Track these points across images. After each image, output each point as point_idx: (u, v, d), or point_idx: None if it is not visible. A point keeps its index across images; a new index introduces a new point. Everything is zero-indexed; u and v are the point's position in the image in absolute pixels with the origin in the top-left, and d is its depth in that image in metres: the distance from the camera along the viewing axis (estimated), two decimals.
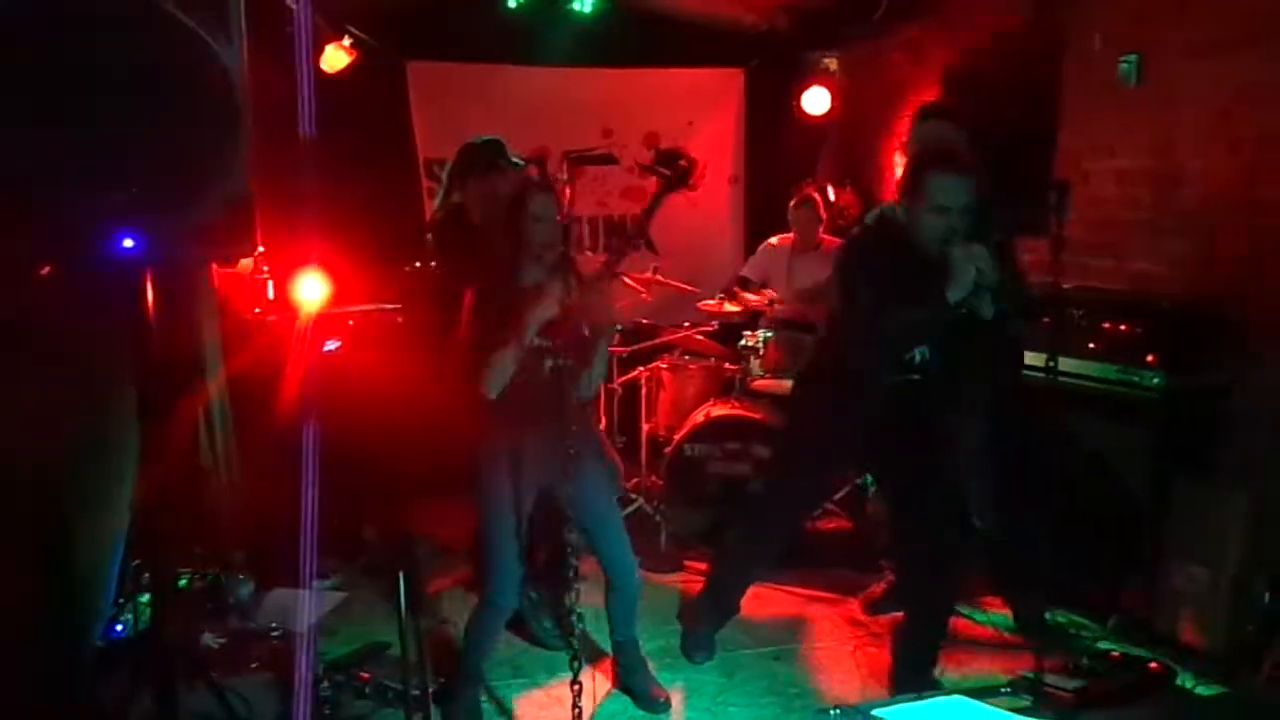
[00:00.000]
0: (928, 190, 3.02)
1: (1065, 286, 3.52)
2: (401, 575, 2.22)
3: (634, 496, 4.94)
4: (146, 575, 3.00)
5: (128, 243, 2.09)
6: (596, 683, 3.41)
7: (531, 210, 3.02)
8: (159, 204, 2.12)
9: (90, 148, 2.02)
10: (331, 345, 4.38)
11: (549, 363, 2.99)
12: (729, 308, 5.07)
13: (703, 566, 4.26)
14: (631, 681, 3.39)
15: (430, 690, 2.52)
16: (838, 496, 4.78)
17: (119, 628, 2.96)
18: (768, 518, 3.65)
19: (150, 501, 2.60)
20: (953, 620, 3.56)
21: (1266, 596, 3.29)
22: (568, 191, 4.57)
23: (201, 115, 2.14)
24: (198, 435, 3.65)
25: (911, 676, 3.29)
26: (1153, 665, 3.37)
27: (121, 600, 3.02)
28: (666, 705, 3.31)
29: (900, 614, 3.62)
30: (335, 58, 5.40)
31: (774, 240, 5.42)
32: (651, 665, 3.45)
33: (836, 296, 3.33)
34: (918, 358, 3.19)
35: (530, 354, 2.95)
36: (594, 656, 3.58)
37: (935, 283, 2.93)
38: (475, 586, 3.68)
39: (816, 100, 6.15)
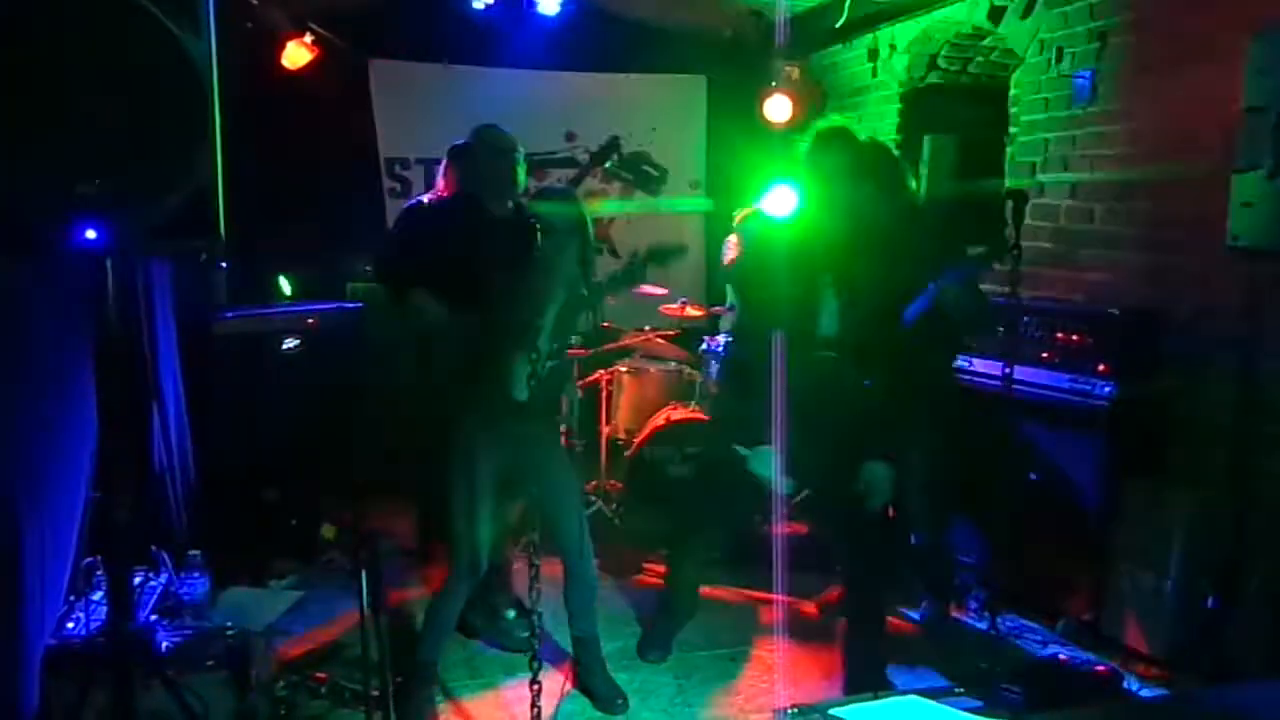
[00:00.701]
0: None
1: (1021, 296, 3.60)
2: (364, 572, 2.22)
3: (593, 499, 4.95)
4: (99, 573, 2.96)
5: (90, 234, 2.08)
6: (554, 683, 3.41)
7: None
8: (123, 196, 2.10)
9: (56, 139, 2.00)
10: (291, 344, 4.36)
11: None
12: (691, 312, 5.11)
13: (661, 569, 4.29)
14: (590, 681, 3.40)
15: (390, 689, 2.51)
16: (794, 501, 4.82)
17: (70, 625, 2.91)
18: (705, 517, 3.69)
19: (105, 498, 2.57)
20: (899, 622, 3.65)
21: (1209, 600, 3.38)
22: None
23: (168, 108, 2.13)
24: (153, 432, 3.60)
25: (864, 677, 3.34)
26: (1099, 668, 3.44)
27: (73, 598, 2.98)
28: (624, 706, 3.32)
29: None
30: (297, 54, 5.35)
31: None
32: (608, 666, 3.46)
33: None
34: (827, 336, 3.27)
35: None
36: (552, 658, 3.58)
37: None
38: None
39: (778, 108, 6.20)
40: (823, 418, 3.23)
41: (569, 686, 3.45)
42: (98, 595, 2.88)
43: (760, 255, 3.37)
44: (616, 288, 3.41)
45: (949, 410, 3.73)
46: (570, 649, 3.51)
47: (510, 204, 3.53)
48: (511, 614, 3.64)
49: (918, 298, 3.48)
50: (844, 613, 3.58)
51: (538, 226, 3.05)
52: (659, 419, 4.75)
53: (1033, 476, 3.84)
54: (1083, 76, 4.15)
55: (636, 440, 4.74)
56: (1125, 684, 3.34)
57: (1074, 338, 3.80)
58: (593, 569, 3.36)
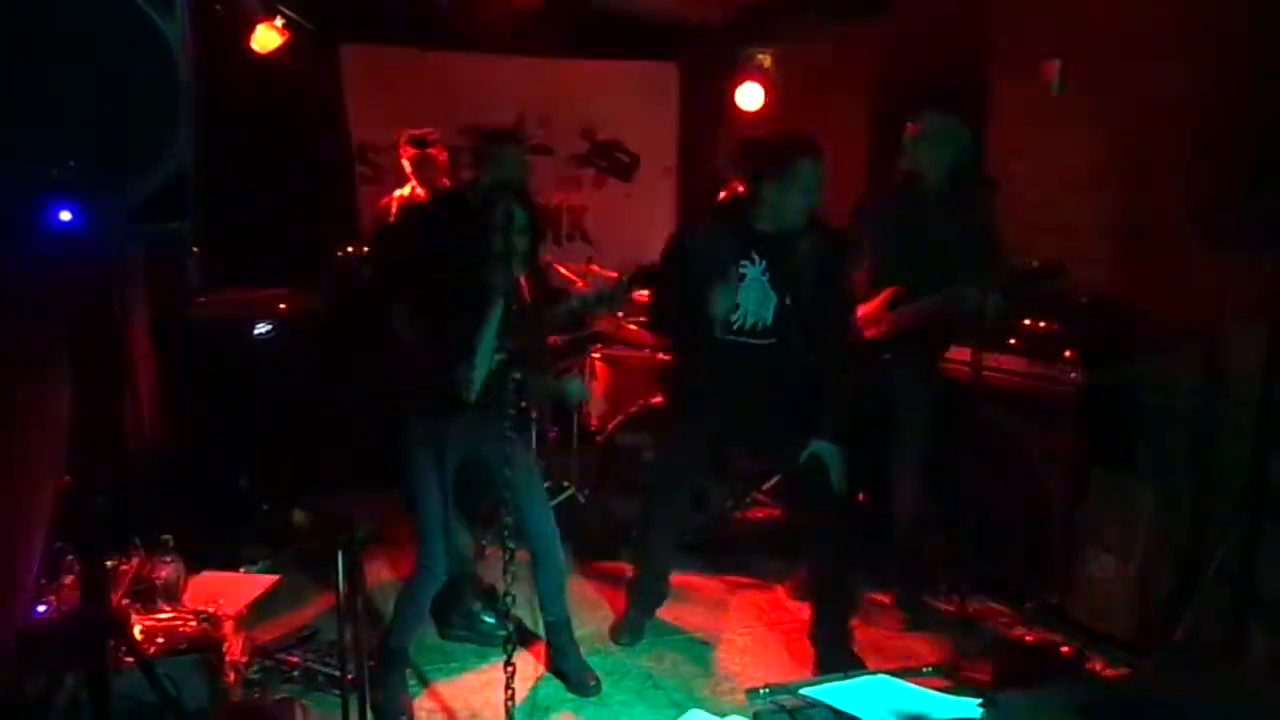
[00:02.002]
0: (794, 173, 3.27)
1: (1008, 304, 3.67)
2: (340, 554, 2.22)
3: (566, 485, 4.96)
4: (70, 557, 2.94)
5: (64, 215, 2.06)
6: (528, 666, 3.43)
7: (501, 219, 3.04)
8: (96, 178, 2.08)
9: (27, 119, 1.98)
10: (264, 329, 4.33)
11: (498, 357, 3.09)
12: None
13: (632, 554, 4.32)
14: (563, 664, 3.43)
15: (365, 672, 2.51)
16: (766, 486, 4.87)
17: (41, 609, 2.90)
18: (661, 499, 3.75)
19: (78, 483, 2.55)
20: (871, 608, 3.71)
21: (1172, 582, 3.46)
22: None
23: (141, 90, 2.11)
24: (127, 415, 3.57)
25: (831, 655, 3.41)
26: (1064, 649, 3.51)
27: (44, 581, 2.96)
28: (597, 688, 3.35)
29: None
30: (267, 38, 5.28)
31: None
32: (581, 649, 3.49)
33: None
34: (750, 323, 3.39)
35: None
36: (525, 641, 3.60)
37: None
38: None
39: (750, 95, 6.23)
40: (767, 400, 3.39)
41: (542, 670, 3.47)
42: (69, 579, 2.86)
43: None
44: (599, 308, 3.48)
45: (938, 394, 3.79)
46: (545, 637, 3.53)
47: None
48: (490, 618, 3.65)
49: (933, 297, 3.60)
50: (809, 593, 3.63)
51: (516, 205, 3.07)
52: (632, 405, 4.77)
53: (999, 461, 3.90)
54: (1051, 66, 4.20)
55: (610, 426, 4.75)
56: (1089, 664, 3.41)
57: (1041, 325, 3.85)
58: (560, 554, 3.39)
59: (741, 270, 3.37)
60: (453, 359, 3.00)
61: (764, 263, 3.38)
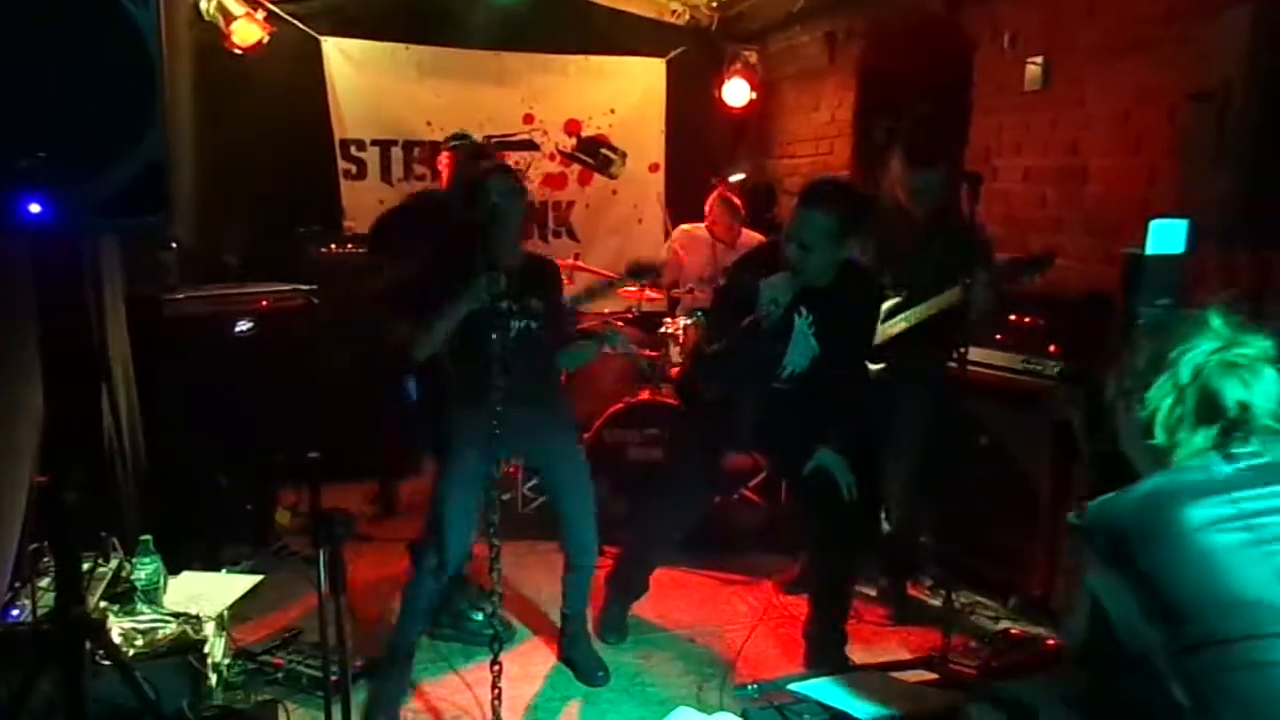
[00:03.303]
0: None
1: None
2: (322, 552, 2.19)
3: None
4: (46, 558, 2.90)
5: (34, 208, 2.02)
6: (515, 666, 3.41)
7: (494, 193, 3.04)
8: (68, 170, 2.05)
9: None
10: (244, 326, 4.29)
11: (518, 325, 3.11)
12: (649, 294, 5.10)
13: (617, 550, 4.30)
14: (574, 653, 3.46)
15: (349, 673, 2.47)
16: (753, 483, 4.85)
17: (15, 611, 2.85)
18: (670, 500, 3.72)
19: (54, 481, 2.51)
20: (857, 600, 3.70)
21: None
22: None
23: (115, 80, 2.08)
24: (102, 414, 3.52)
25: (823, 655, 3.38)
26: (1050, 641, 3.51)
27: (19, 584, 2.91)
28: (605, 678, 3.38)
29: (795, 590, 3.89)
30: (247, 32, 5.24)
31: (689, 228, 5.47)
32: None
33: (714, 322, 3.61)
34: (789, 371, 3.41)
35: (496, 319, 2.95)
36: (538, 629, 3.69)
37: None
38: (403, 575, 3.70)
39: (736, 91, 6.23)
40: (792, 428, 3.40)
41: (531, 669, 3.46)
42: (45, 580, 2.82)
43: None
44: (589, 303, 3.48)
45: (943, 402, 3.77)
46: (534, 633, 3.63)
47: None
48: (479, 616, 3.63)
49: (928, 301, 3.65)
50: (809, 591, 3.62)
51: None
52: (617, 401, 4.75)
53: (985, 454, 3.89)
54: (1035, 62, 4.20)
55: (596, 423, 4.73)
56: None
57: (1026, 319, 3.85)
58: (595, 557, 3.46)
59: (793, 323, 3.36)
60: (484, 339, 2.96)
61: (810, 316, 3.35)
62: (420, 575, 3.23)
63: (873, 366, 3.75)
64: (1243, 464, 1.62)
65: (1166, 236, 3.09)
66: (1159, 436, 1.70)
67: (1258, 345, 1.68)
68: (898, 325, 3.76)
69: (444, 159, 4.27)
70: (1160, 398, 1.69)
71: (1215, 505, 1.58)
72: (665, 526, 3.74)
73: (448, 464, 3.21)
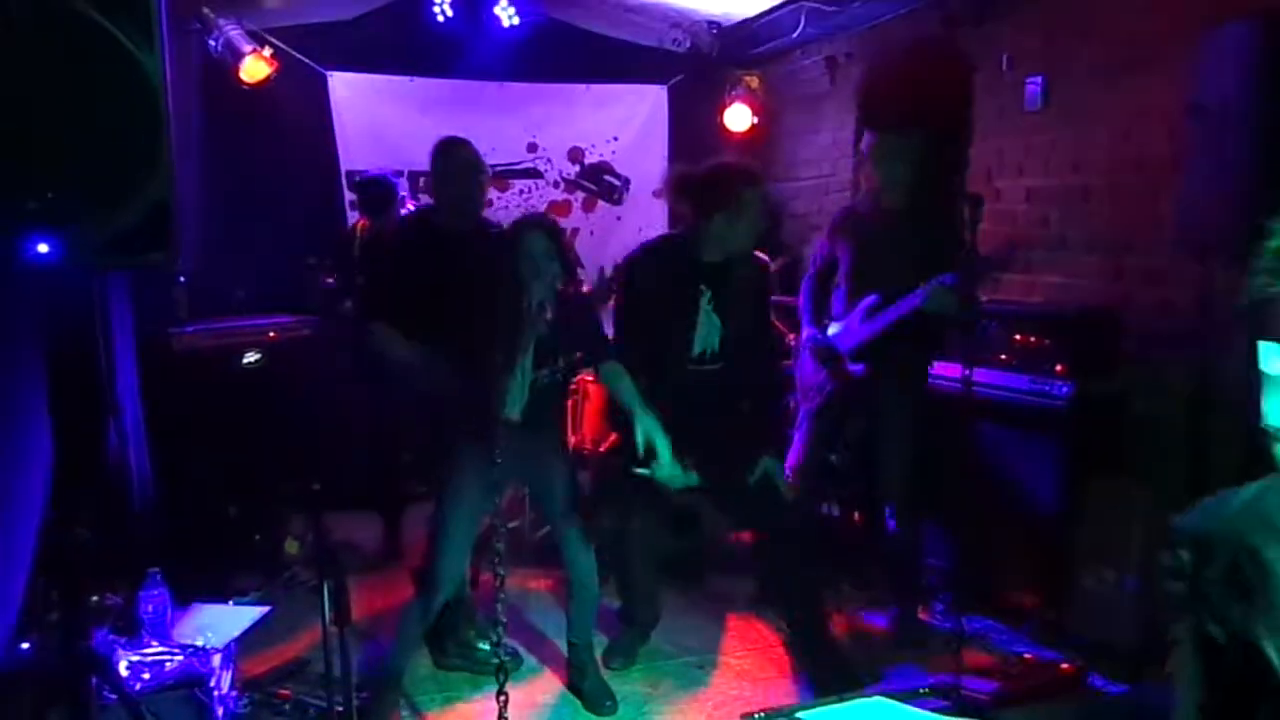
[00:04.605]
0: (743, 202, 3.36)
1: (979, 299, 3.65)
2: (326, 585, 2.20)
3: None
4: (55, 593, 2.90)
5: (42, 248, 2.05)
6: (522, 696, 3.39)
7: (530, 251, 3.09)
8: (76, 210, 2.08)
9: (5, 153, 1.97)
10: (252, 358, 4.31)
11: (545, 379, 3.20)
12: None
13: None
14: (582, 683, 3.44)
15: (354, 705, 2.47)
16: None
17: (25, 646, 2.86)
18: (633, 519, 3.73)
19: (63, 516, 2.53)
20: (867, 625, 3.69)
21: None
22: None
23: (121, 121, 2.11)
24: (110, 449, 3.54)
25: (824, 668, 3.40)
26: (1064, 666, 3.48)
27: (29, 618, 2.92)
28: (613, 707, 3.35)
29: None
30: (255, 68, 5.31)
31: None
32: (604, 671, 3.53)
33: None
34: (705, 351, 3.47)
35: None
36: (532, 667, 3.64)
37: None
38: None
39: (738, 117, 6.26)
40: (716, 423, 3.44)
41: (537, 699, 3.44)
42: (54, 615, 2.83)
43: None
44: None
45: (924, 408, 3.78)
46: (542, 663, 3.62)
47: (474, 221, 3.53)
48: (486, 645, 3.62)
49: (900, 300, 3.63)
50: (780, 606, 3.66)
51: (502, 242, 3.13)
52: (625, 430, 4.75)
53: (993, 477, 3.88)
54: (1035, 83, 4.22)
55: (602, 449, 4.73)
56: (1090, 681, 3.38)
57: (1032, 339, 3.85)
58: (595, 581, 3.43)
59: (695, 300, 3.44)
60: (490, 381, 3.03)
61: (709, 292, 3.45)
62: (414, 600, 3.25)
63: (854, 368, 3.78)
64: None
65: None
66: None
67: None
68: (869, 332, 3.74)
69: None
70: None
71: None
72: (639, 553, 3.73)
73: (447, 490, 3.22)
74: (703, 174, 3.46)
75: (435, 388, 3.32)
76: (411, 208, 5.15)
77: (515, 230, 3.19)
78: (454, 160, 3.56)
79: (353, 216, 5.93)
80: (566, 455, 3.61)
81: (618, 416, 3.47)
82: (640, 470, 3.24)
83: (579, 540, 3.39)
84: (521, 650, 3.74)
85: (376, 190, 5.04)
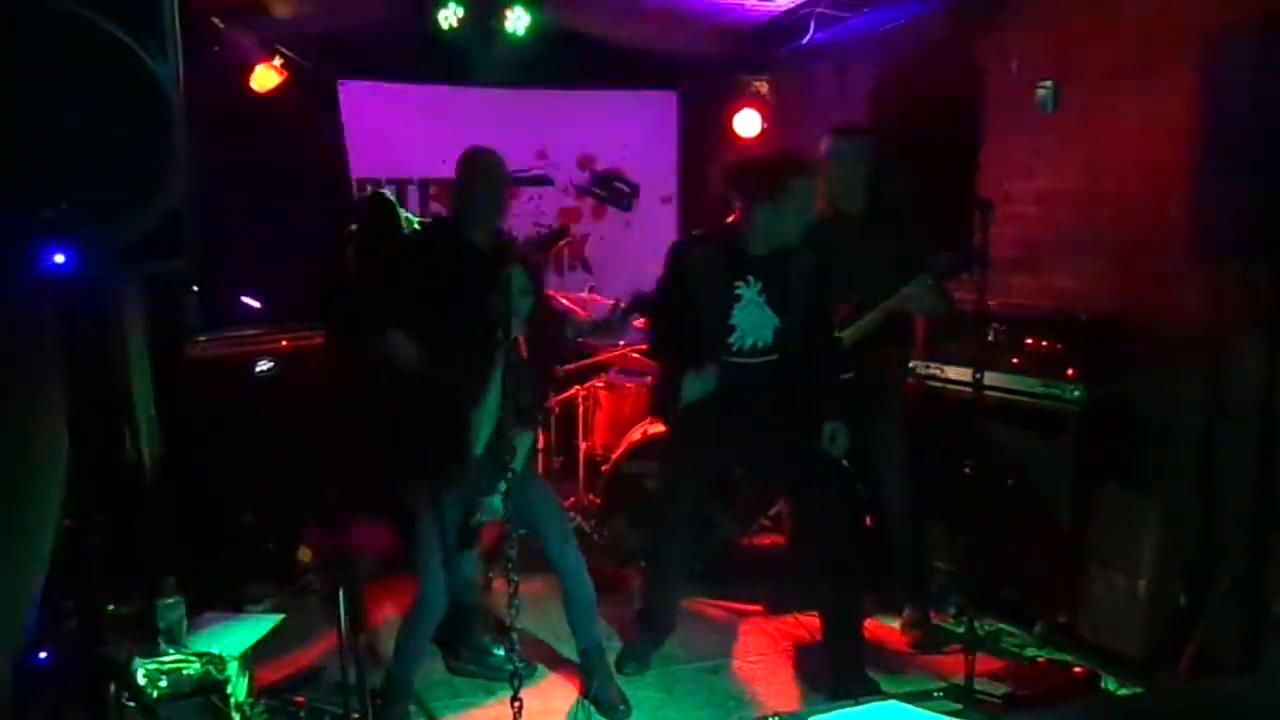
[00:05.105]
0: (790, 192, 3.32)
1: (989, 303, 3.65)
2: (341, 592, 2.21)
3: (573, 515, 4.94)
4: (71, 602, 2.92)
5: (58, 258, 2.06)
6: (536, 702, 3.40)
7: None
8: (90, 220, 2.10)
9: (20, 161, 1.99)
10: (265, 366, 4.33)
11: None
12: None
13: (640, 583, 4.30)
14: (595, 687, 3.45)
15: (370, 711, 2.49)
16: (771, 512, 4.84)
17: (42, 655, 2.87)
18: (669, 529, 3.74)
19: (79, 524, 2.54)
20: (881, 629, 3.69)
21: (1181, 599, 3.42)
22: None
23: (135, 131, 2.13)
24: (125, 458, 3.57)
25: (846, 677, 3.37)
26: (1076, 669, 3.47)
27: (46, 626, 2.94)
28: (627, 712, 3.36)
29: (808, 612, 3.93)
30: (265, 77, 5.35)
31: None
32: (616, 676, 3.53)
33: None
34: (749, 343, 3.43)
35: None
36: (558, 664, 3.66)
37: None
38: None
39: (747, 122, 6.26)
40: (769, 417, 3.41)
41: (553, 704, 3.45)
42: (71, 623, 2.85)
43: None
44: (597, 337, 3.48)
45: (904, 405, 3.84)
46: (555, 668, 3.63)
47: (493, 235, 3.46)
48: (500, 651, 3.63)
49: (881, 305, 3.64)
50: (816, 607, 3.62)
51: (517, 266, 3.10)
52: (636, 433, 4.75)
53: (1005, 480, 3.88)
54: (1045, 86, 4.22)
55: (614, 455, 4.74)
56: (1102, 684, 3.37)
57: (1043, 343, 3.84)
58: (587, 582, 3.42)
59: (737, 293, 3.40)
60: (452, 419, 3.04)
61: (759, 284, 3.41)
62: (411, 609, 3.25)
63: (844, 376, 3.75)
64: None
65: None
66: None
67: None
68: (851, 336, 3.74)
69: None
70: None
71: None
72: (676, 557, 3.74)
73: (420, 507, 3.17)
74: (751, 163, 3.45)
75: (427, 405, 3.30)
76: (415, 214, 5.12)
77: (494, 262, 3.13)
78: (483, 171, 3.52)
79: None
80: (536, 455, 3.55)
81: (665, 402, 3.49)
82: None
83: (563, 544, 3.39)
84: (536, 656, 3.74)
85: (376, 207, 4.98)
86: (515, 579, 2.81)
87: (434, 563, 3.17)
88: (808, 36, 5.26)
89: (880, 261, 3.67)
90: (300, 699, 3.30)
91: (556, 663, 3.75)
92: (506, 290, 3.01)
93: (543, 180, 6.21)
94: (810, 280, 3.45)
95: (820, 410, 3.46)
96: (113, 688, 2.42)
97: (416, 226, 4.07)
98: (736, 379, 3.43)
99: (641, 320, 4.14)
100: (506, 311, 2.97)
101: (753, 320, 3.42)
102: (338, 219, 4.96)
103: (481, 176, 3.41)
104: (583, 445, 5.09)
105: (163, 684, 2.89)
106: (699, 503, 3.80)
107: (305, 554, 4.56)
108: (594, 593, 3.45)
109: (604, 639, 3.81)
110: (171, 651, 3.03)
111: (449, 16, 5.53)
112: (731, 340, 3.42)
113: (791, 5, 5.27)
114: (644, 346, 5.21)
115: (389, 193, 4.78)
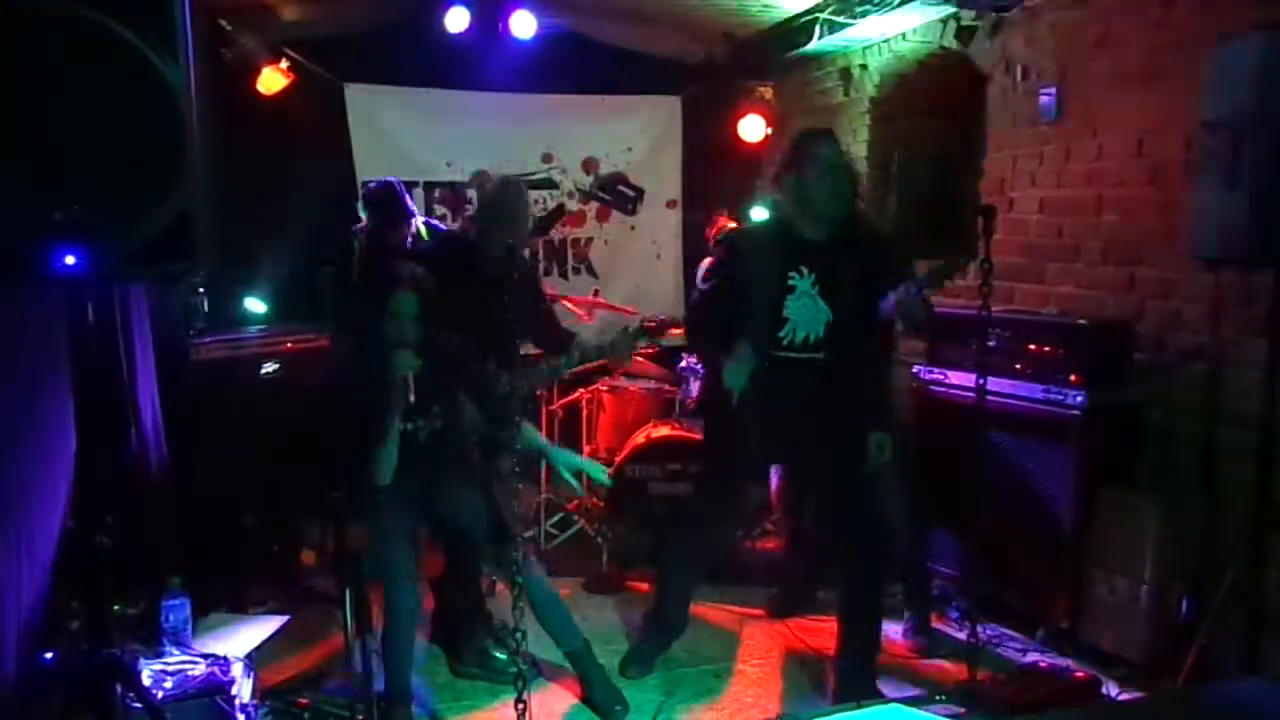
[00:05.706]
0: (811, 157, 3.24)
1: (992, 309, 3.65)
2: (348, 593, 2.22)
3: (576, 518, 4.96)
4: (75, 602, 2.94)
5: (69, 260, 2.08)
6: (541, 704, 3.41)
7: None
8: (102, 222, 2.11)
9: (33, 165, 2.01)
10: (270, 368, 4.35)
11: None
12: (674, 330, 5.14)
13: (644, 587, 4.31)
14: (590, 691, 3.44)
15: (375, 711, 2.49)
16: (774, 516, 4.84)
17: (48, 655, 2.88)
18: (697, 531, 3.72)
19: (83, 525, 2.56)
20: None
21: (1183, 604, 3.43)
22: None
23: (146, 134, 2.14)
24: (131, 459, 3.58)
25: (851, 687, 3.37)
26: (1078, 674, 3.47)
27: (51, 627, 2.95)
28: (624, 711, 3.36)
29: (810, 616, 3.99)
30: (272, 80, 5.38)
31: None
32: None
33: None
34: (800, 337, 3.33)
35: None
36: (562, 668, 3.61)
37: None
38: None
39: (752, 127, 6.28)
40: (821, 419, 3.34)
41: (556, 707, 3.45)
42: (76, 624, 2.86)
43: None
44: (602, 358, 3.49)
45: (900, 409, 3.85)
46: (559, 672, 3.59)
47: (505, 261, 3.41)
48: (504, 655, 3.64)
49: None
50: (838, 615, 3.59)
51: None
52: (639, 436, 4.77)
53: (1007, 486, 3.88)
54: (1048, 93, 4.23)
55: (618, 459, 4.75)
56: (1103, 689, 3.38)
57: (1045, 349, 3.85)
58: (545, 586, 3.40)
59: (790, 283, 3.30)
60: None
61: (813, 275, 3.31)
62: (384, 626, 3.16)
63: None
64: None
65: None
66: None
67: None
68: None
69: None
70: None
71: None
72: (704, 557, 3.74)
73: (380, 518, 3.13)
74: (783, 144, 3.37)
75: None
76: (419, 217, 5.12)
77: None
78: (512, 199, 3.51)
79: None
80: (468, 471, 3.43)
81: (718, 400, 3.42)
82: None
83: (531, 565, 3.35)
84: (539, 659, 3.74)
85: (384, 200, 5.00)
86: (520, 580, 2.82)
87: (399, 576, 3.12)
88: (813, 42, 5.28)
89: (848, 276, 3.62)
90: (304, 700, 3.30)
91: (558, 667, 3.75)
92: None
93: (548, 184, 6.24)
94: (866, 274, 3.28)
95: (867, 419, 3.39)
96: (118, 689, 2.43)
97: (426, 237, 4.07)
98: (784, 376, 3.32)
99: (647, 350, 4.12)
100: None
101: (806, 313, 3.31)
102: (348, 215, 5.01)
103: (509, 203, 3.52)
104: (586, 448, 5.10)
105: (168, 685, 2.90)
106: (732, 502, 3.73)
107: (308, 556, 4.58)
108: (557, 595, 3.46)
109: (603, 640, 3.84)
110: (176, 652, 3.04)
111: (456, 20, 5.56)
112: (782, 334, 3.31)
113: (796, 10, 5.30)
114: (649, 350, 5.24)
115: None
